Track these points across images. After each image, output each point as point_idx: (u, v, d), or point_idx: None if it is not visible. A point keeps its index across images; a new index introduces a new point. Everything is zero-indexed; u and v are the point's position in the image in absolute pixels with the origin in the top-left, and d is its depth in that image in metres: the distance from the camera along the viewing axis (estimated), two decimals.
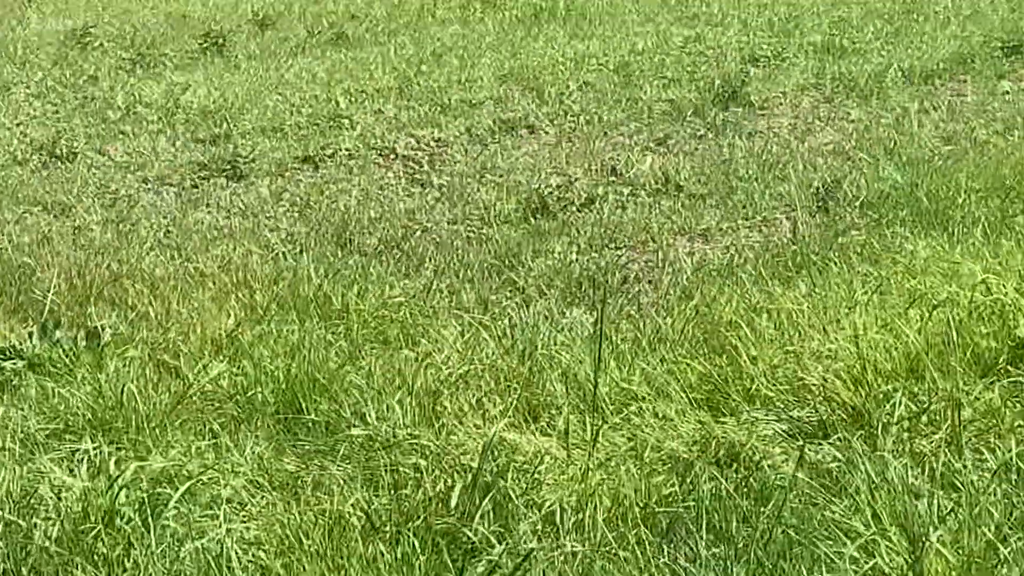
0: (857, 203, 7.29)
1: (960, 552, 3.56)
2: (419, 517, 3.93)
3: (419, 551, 3.81)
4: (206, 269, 6.65)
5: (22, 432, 4.76)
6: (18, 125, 9.94)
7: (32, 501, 4.22)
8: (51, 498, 4.25)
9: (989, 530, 3.60)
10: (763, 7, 13.36)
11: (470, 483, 4.03)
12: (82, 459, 4.51)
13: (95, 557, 3.95)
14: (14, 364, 5.68)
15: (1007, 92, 9.50)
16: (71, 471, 4.51)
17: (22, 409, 5.04)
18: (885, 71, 10.36)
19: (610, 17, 13.15)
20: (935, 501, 3.74)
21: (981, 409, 4.41)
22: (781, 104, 9.74)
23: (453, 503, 4.03)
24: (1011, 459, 4.12)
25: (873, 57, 10.96)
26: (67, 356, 5.52)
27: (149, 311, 6.07)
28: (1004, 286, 5.37)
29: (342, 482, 4.24)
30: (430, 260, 6.71)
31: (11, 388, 5.43)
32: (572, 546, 3.66)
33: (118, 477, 4.22)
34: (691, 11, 13.36)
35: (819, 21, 12.28)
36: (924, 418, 4.42)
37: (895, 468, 3.95)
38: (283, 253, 7.01)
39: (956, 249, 6.06)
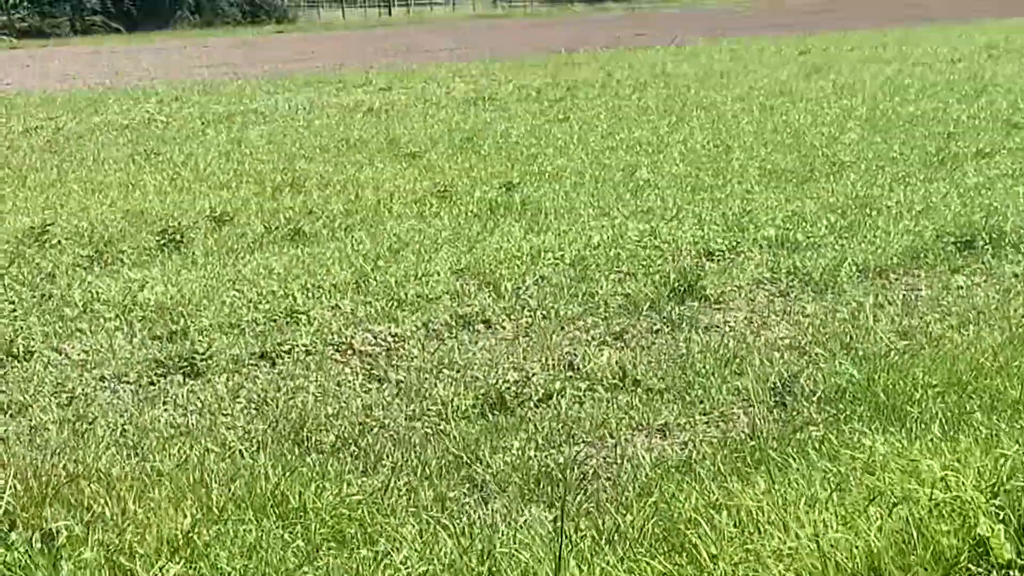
0: (814, 398, 7.23)
1: None
2: None
3: None
4: (163, 468, 6.48)
5: None
6: None
7: None
8: None
9: None
10: (717, 202, 13.52)
11: None
12: None
13: None
14: None
15: (961, 287, 9.58)
16: None
17: None
18: (839, 265, 10.40)
19: (566, 212, 13.32)
20: None
21: None
22: (736, 298, 9.76)
23: None
24: None
25: (827, 251, 11.00)
26: (22, 559, 5.26)
27: (105, 511, 5.87)
28: (963, 483, 5.33)
29: None
30: (388, 457, 6.62)
31: None
32: None
33: None
34: (646, 205, 13.49)
35: (773, 215, 12.36)
36: None
37: None
38: (240, 451, 6.86)
39: (915, 445, 6.04)
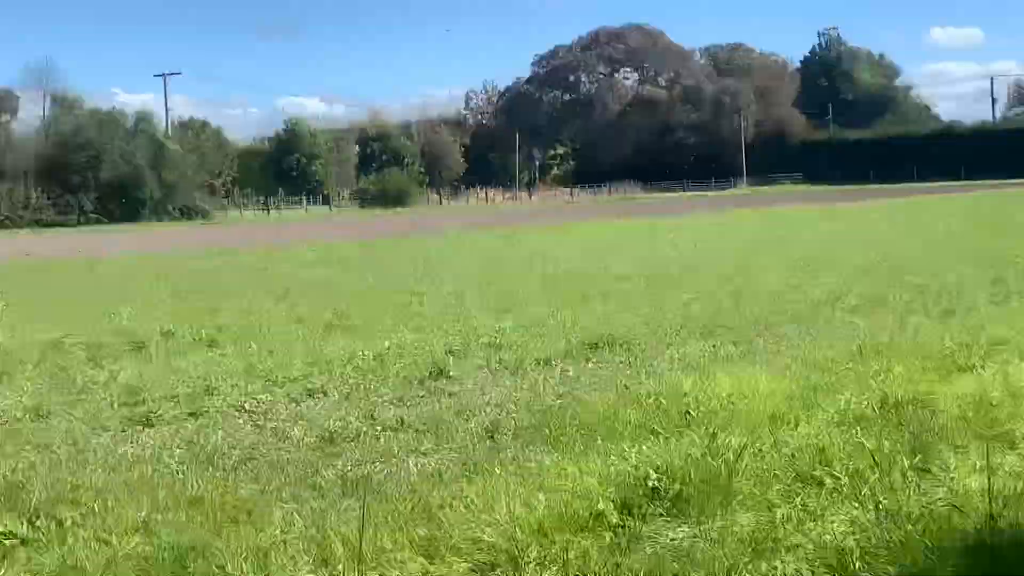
0: (510, 434, 8.85)
1: None
2: None
3: None
4: (129, 480, 7.74)
5: None
6: None
7: None
8: None
9: None
10: (456, 323, 16.25)
11: None
12: None
13: None
14: None
15: (592, 369, 11.63)
16: None
17: None
18: (524, 358, 12.44)
19: (373, 330, 16.12)
20: None
21: None
22: (467, 377, 11.42)
23: None
24: None
25: (518, 350, 12.99)
26: (44, 536, 6.36)
27: (95, 506, 7.00)
28: (590, 480, 7.14)
29: None
30: (264, 472, 7.89)
31: None
32: None
33: None
34: (419, 325, 16.33)
35: (489, 330, 15.22)
36: None
37: None
38: (176, 470, 8.04)
39: (565, 459, 8.00)
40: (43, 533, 6.61)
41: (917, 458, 7.26)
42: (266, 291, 22.69)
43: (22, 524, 6.73)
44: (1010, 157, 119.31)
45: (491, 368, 12.24)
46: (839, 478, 6.96)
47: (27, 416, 10.48)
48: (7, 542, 6.47)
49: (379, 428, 9.41)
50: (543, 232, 45.11)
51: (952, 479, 6.86)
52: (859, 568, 5.41)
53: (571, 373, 11.69)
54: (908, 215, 47.50)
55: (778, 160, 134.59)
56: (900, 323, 14.19)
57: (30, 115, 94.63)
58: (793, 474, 7.14)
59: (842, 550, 5.67)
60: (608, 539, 6.15)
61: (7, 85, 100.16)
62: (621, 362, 12.21)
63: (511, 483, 7.20)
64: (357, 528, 6.26)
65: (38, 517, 6.87)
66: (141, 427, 9.87)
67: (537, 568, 5.75)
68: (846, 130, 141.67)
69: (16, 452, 8.98)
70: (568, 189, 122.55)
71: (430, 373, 11.83)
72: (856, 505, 6.51)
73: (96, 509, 7.09)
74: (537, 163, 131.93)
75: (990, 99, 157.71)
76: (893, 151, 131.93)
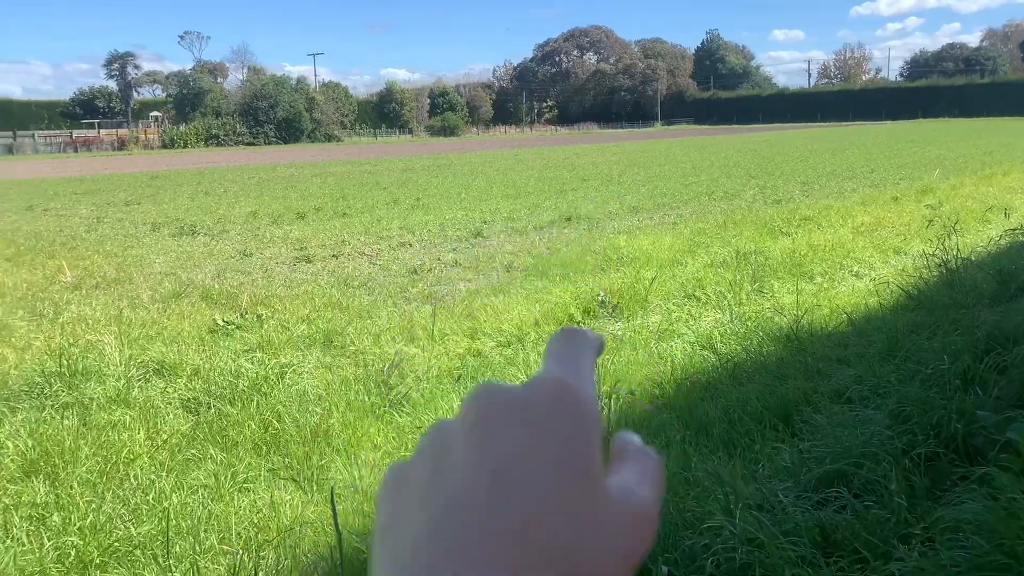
0: (520, 271, 8.94)
1: None
2: None
3: None
4: (297, 293, 7.96)
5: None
6: None
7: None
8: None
9: None
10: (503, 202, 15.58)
11: None
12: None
13: None
14: None
15: (564, 232, 10.79)
16: None
17: None
18: (528, 225, 11.90)
19: (435, 206, 15.45)
20: None
21: None
22: (492, 236, 11.23)
23: None
24: None
25: (524, 222, 12.51)
26: (250, 324, 6.77)
27: (276, 308, 7.20)
28: (565, 296, 7.45)
29: None
30: (377, 288, 8.18)
31: None
32: None
33: None
34: (473, 205, 16.07)
35: (507, 209, 14.68)
36: None
37: None
38: (325, 287, 8.22)
39: (552, 284, 8.00)
40: (249, 321, 6.78)
41: (756, 284, 7.36)
42: (374, 184, 22.67)
43: (236, 316, 6.94)
44: (818, 109, 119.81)
45: (507, 231, 12.25)
46: (709, 296, 7.09)
47: (238, 255, 10.66)
48: (229, 327, 6.63)
49: (443, 265, 9.52)
50: (537, 151, 44.59)
51: (776, 297, 6.94)
52: (719, 346, 5.50)
53: (554, 235, 11.74)
54: (755, 143, 46.75)
55: (679, 110, 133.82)
56: (748, 207, 14.17)
57: (234, 78, 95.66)
58: (683, 293, 7.28)
59: (710, 336, 5.81)
60: None
61: (222, 59, 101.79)
62: (584, 229, 12.24)
63: (519, 297, 7.40)
64: (431, 321, 6.39)
65: (245, 313, 7.07)
66: (304, 263, 10.00)
67: (534, 344, 5.88)
68: (720, 92, 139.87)
69: (232, 276, 9.17)
70: (554, 127, 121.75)
71: (472, 234, 11.91)
72: (719, 311, 6.64)
73: (279, 309, 7.29)
74: (536, 111, 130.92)
75: (807, 74, 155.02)
76: (749, 104, 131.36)
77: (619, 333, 6.07)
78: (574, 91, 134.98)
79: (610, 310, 6.75)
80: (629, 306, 6.77)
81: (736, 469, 3.37)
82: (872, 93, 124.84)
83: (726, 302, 6.81)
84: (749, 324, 6.02)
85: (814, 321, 5.86)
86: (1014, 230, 7.86)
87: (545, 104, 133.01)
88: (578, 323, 6.51)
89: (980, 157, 24.50)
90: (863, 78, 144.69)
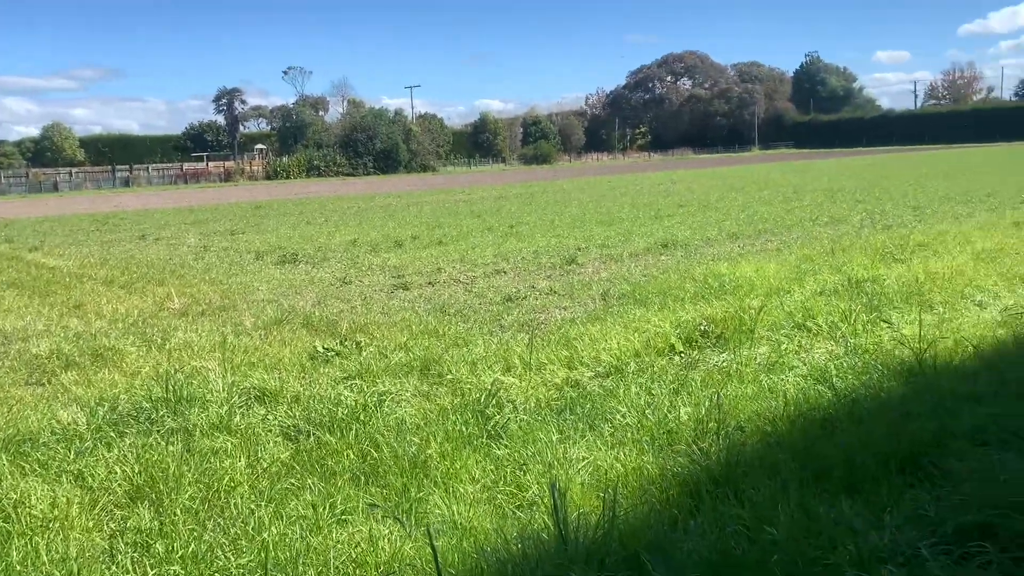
0: (615, 298, 8.50)
1: None
2: None
3: None
4: (394, 321, 7.92)
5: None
6: None
7: None
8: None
9: None
10: (583, 230, 15.32)
11: None
12: None
13: None
14: None
15: (661, 259, 10.47)
16: None
17: None
18: (623, 252, 11.69)
19: (530, 235, 15.50)
20: None
21: None
22: (587, 263, 10.94)
23: None
24: None
25: (618, 248, 12.33)
26: (349, 352, 6.69)
27: (375, 335, 7.23)
28: (664, 324, 7.01)
29: None
30: (471, 316, 7.91)
31: None
32: None
33: None
34: (562, 233, 15.96)
35: (600, 237, 14.63)
36: None
37: None
38: (421, 314, 8.20)
39: (649, 312, 7.68)
40: (348, 348, 6.75)
41: (872, 314, 6.98)
42: (468, 212, 22.85)
43: (336, 343, 6.93)
44: (926, 132, 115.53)
45: (602, 258, 12.07)
46: (821, 326, 6.77)
47: (337, 282, 10.80)
48: (328, 354, 6.61)
49: (538, 293, 9.41)
50: (631, 177, 44.27)
51: (894, 327, 6.54)
52: (835, 380, 5.19)
53: (651, 262, 11.51)
54: (859, 167, 45.30)
55: (777, 135, 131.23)
56: (857, 232, 13.60)
57: (334, 111, 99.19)
58: (792, 323, 6.95)
59: (824, 369, 5.51)
60: (677, 360, 6.07)
61: (323, 93, 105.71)
62: (682, 256, 11.95)
63: (617, 326, 7.19)
64: (527, 349, 6.28)
65: (345, 340, 7.05)
66: (401, 290, 10.06)
67: (634, 375, 5.67)
68: (821, 115, 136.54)
69: (332, 303, 9.26)
70: (647, 153, 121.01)
71: (566, 261, 11.78)
72: (832, 343, 6.31)
73: (377, 336, 7.28)
74: (628, 137, 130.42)
75: (913, 95, 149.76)
76: (851, 127, 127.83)
77: (724, 365, 5.79)
78: (668, 116, 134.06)
79: (713, 341, 6.46)
80: (734, 336, 6.48)
81: (864, 517, 3.10)
82: (985, 113, 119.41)
83: (840, 333, 6.46)
84: (867, 357, 5.67)
85: (938, 354, 5.47)
86: None
87: (638, 131, 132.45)
88: (680, 354, 6.24)
89: None
90: (974, 98, 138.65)
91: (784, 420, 4.43)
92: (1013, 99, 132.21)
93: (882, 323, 6.64)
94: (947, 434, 3.98)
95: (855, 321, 6.69)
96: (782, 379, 5.28)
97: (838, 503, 3.34)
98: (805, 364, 5.66)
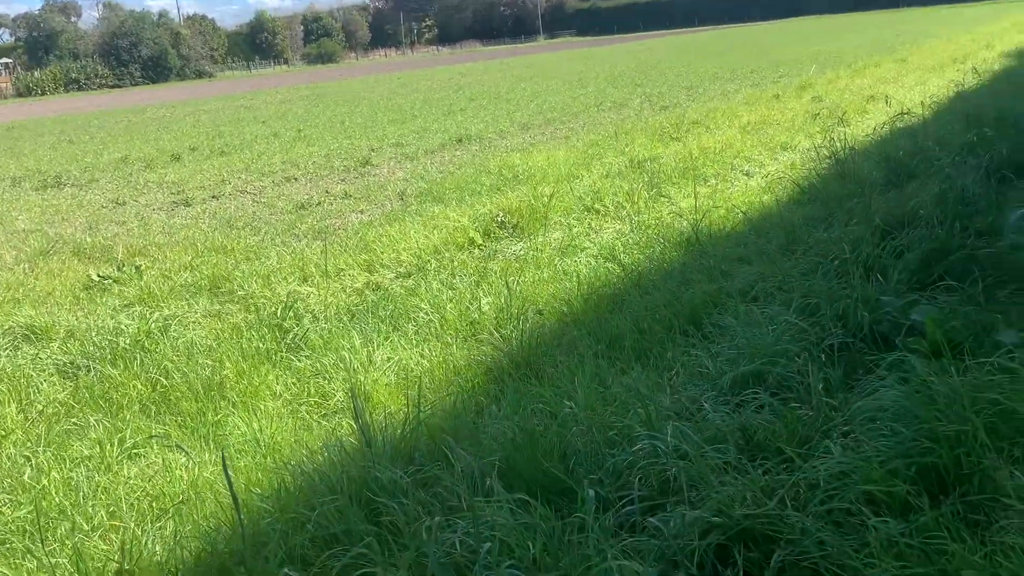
0: (413, 197, 8.41)
1: None
2: None
3: None
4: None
5: None
6: None
7: None
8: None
9: None
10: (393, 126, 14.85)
11: None
12: None
13: None
14: None
15: (455, 156, 10.58)
16: None
17: None
18: (418, 151, 11.54)
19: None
20: None
21: None
22: (382, 164, 10.70)
23: None
24: None
25: (413, 146, 12.14)
26: (127, 276, 6.21)
27: (155, 257, 7.13)
28: (463, 219, 7.17)
29: None
30: (264, 227, 7.61)
31: None
32: None
33: None
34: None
35: (396, 135, 14.13)
36: None
37: None
38: (213, 228, 7.73)
39: (447, 208, 7.73)
40: (127, 274, 6.36)
41: (653, 191, 7.31)
42: (251, 119, 21.62)
43: (113, 270, 6.50)
44: (693, 15, 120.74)
45: (397, 157, 11.89)
46: (608, 207, 7.03)
47: (110, 204, 10.04)
48: (105, 282, 6.21)
49: (332, 198, 9.19)
50: (421, 73, 43.38)
51: (673, 202, 6.89)
52: (623, 256, 5.42)
53: (446, 158, 11.47)
54: (638, 51, 46.82)
55: (561, 23, 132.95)
56: (637, 115, 14.14)
57: (88, 15, 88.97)
58: (582, 207, 7.19)
59: (612, 247, 5.73)
60: (476, 253, 6.15)
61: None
62: (476, 150, 11.98)
63: (416, 225, 7.16)
64: (323, 257, 6.13)
65: (123, 266, 6.63)
66: (183, 206, 9.52)
67: (436, 272, 5.67)
68: (601, 1, 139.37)
69: (105, 227, 8.62)
70: (435, 47, 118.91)
71: (360, 163, 11.50)
72: (619, 222, 6.57)
73: (159, 258, 6.92)
74: (415, 31, 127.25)
75: None
76: (628, 13, 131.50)
77: (522, 253, 5.91)
78: (453, 8, 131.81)
79: (510, 230, 6.57)
80: (529, 225, 6.62)
81: (652, 380, 3.28)
82: None
83: (625, 212, 6.74)
84: (650, 232, 5.96)
85: (712, 223, 5.83)
86: (902, 114, 8.00)
87: (424, 24, 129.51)
88: (479, 247, 6.30)
89: (852, 51, 25.17)
90: None
91: (578, 299, 4.59)
92: None
93: (662, 199, 6.98)
94: (722, 295, 4.27)
95: (638, 200, 6.99)
96: (575, 261, 5.47)
97: (630, 370, 3.51)
98: (595, 245, 5.89)
